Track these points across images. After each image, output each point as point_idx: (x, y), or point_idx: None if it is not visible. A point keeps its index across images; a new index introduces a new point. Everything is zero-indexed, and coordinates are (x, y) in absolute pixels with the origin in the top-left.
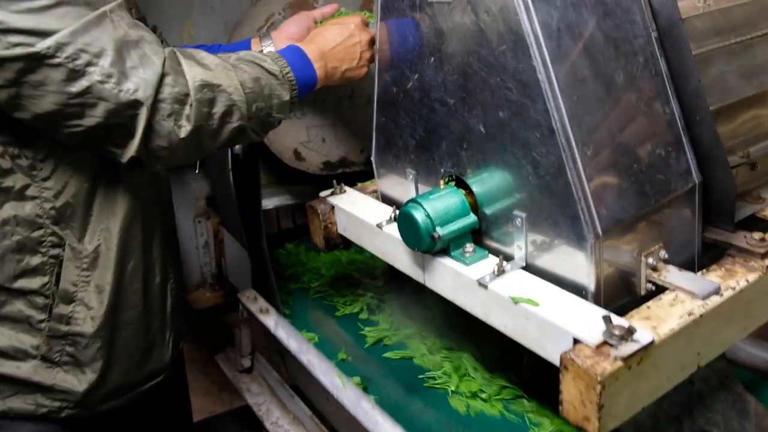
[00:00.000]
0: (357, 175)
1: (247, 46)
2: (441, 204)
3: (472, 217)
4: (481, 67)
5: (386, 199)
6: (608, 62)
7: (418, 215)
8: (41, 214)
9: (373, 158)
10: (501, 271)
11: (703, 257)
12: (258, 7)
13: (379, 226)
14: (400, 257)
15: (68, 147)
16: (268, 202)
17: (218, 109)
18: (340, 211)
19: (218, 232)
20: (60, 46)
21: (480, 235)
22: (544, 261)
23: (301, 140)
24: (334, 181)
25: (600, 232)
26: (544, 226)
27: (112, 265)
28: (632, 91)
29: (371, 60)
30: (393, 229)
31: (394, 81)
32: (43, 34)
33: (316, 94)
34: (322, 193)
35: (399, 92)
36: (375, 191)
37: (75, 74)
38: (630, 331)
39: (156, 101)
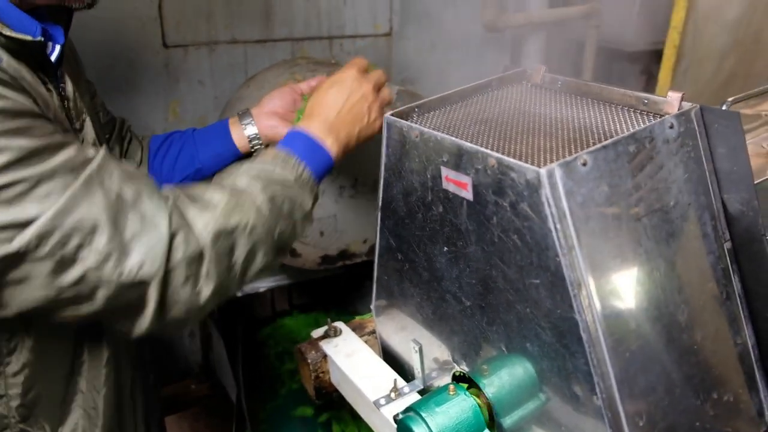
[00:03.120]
0: (358, 267)
1: (224, 127)
2: (449, 420)
3: None
4: (507, 287)
5: (386, 351)
6: (670, 298)
7: None
8: (5, 414)
9: (372, 306)
10: None
11: None
12: (251, 89)
13: (377, 404)
14: None
15: (45, 329)
16: (262, 284)
17: (240, 254)
18: (333, 364)
19: (205, 322)
20: (43, 237)
21: None
22: None
23: None
24: (328, 320)
25: None
26: None
27: None
28: (698, 330)
29: (383, 106)
30: (393, 412)
31: (398, 247)
32: (22, 225)
33: None
34: (315, 333)
35: (404, 261)
36: (374, 332)
37: (65, 264)
38: None
39: (167, 271)
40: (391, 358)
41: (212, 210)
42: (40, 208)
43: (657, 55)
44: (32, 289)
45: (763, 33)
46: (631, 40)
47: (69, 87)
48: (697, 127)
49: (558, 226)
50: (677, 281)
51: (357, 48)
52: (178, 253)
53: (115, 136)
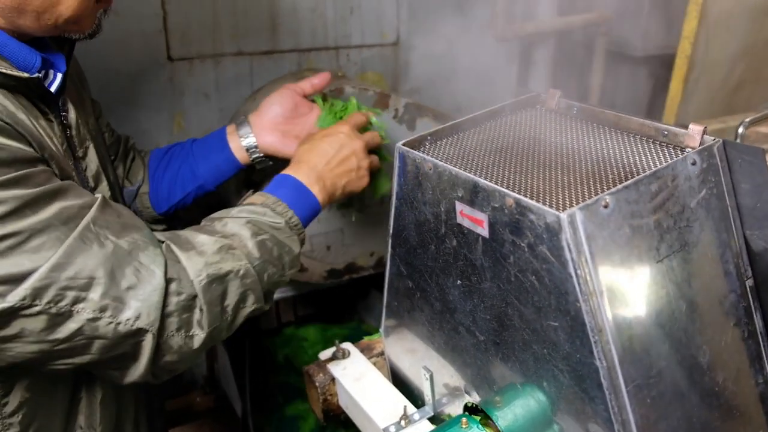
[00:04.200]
0: (365, 280)
1: (222, 140)
2: None
3: None
4: (523, 326)
5: (395, 373)
6: (692, 340)
7: None
8: None
9: (381, 330)
10: None
11: None
12: (257, 101)
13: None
14: None
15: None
16: None
17: (231, 300)
18: (341, 387)
19: None
20: (38, 292)
21: None
22: None
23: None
24: (336, 342)
25: None
26: None
27: None
28: (720, 371)
29: (371, 167)
30: None
31: (410, 275)
32: (16, 279)
33: None
34: (323, 355)
35: (415, 290)
36: (383, 353)
37: (59, 318)
38: None
39: (163, 319)
40: (400, 379)
41: (204, 255)
42: (33, 262)
43: (666, 60)
44: (25, 344)
45: None
46: (640, 44)
47: (72, 114)
48: (719, 163)
49: (579, 272)
50: (699, 322)
51: (364, 57)
52: (173, 300)
53: (120, 155)
